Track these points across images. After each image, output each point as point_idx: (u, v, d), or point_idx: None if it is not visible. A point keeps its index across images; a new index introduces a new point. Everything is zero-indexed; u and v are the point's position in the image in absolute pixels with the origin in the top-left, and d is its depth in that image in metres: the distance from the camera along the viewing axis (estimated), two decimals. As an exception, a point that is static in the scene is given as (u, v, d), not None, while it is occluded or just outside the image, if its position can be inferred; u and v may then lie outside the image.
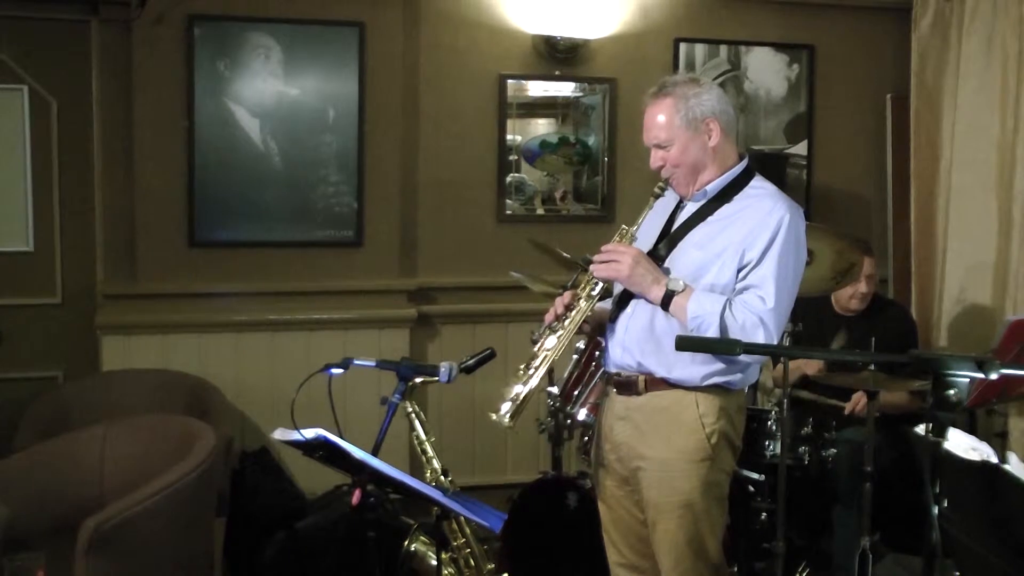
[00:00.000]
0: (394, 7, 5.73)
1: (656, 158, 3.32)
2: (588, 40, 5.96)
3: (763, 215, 3.21)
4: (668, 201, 3.42)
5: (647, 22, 6.09)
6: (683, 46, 6.19)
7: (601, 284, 3.32)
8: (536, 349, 3.31)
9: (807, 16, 6.38)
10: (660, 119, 3.27)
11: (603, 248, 3.31)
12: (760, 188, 3.33)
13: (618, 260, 3.24)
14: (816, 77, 6.43)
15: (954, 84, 5.85)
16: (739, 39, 6.30)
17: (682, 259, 3.28)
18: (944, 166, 5.93)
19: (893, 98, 6.39)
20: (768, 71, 6.35)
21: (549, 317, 3.35)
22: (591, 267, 3.31)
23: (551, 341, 3.30)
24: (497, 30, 5.90)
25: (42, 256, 5.58)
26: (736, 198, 3.30)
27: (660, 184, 3.34)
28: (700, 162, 3.29)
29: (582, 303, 3.30)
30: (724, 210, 3.29)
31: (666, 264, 3.29)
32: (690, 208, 3.36)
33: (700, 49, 6.23)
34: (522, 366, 3.28)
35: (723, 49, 6.28)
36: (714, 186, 3.31)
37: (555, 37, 5.89)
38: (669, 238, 3.34)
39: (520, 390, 3.24)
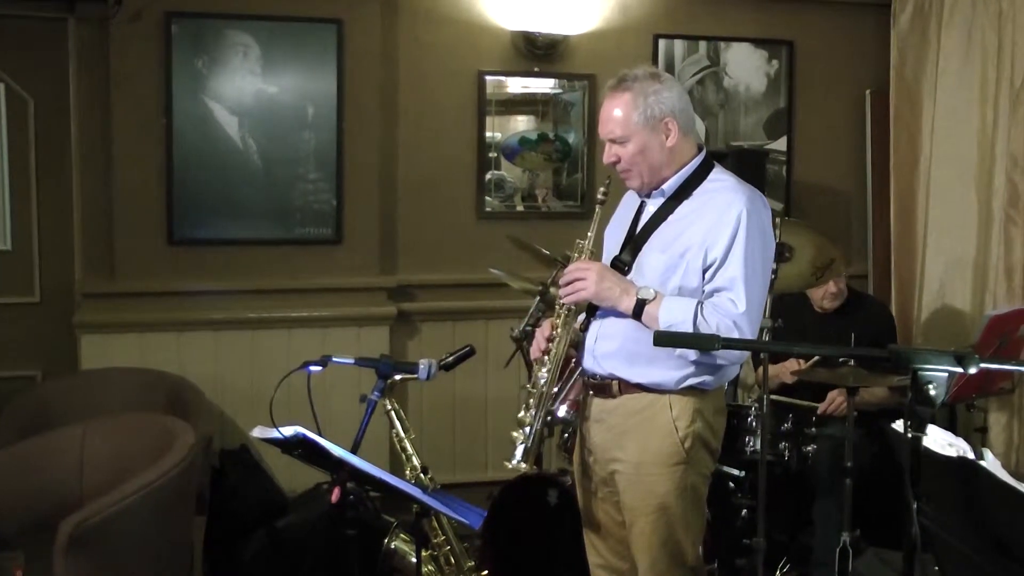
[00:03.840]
0: (372, 4, 5.71)
1: (610, 153, 3.26)
2: (567, 36, 5.96)
3: (721, 211, 3.14)
4: (631, 202, 3.39)
5: (626, 18, 6.09)
6: (662, 42, 6.18)
7: (573, 308, 3.30)
8: (530, 387, 3.30)
9: (786, 12, 6.39)
10: (617, 114, 3.20)
11: (567, 271, 3.28)
12: (718, 181, 3.26)
13: (582, 278, 3.21)
14: (795, 73, 6.43)
15: (933, 79, 5.88)
16: (718, 35, 6.29)
17: (647, 263, 3.24)
18: (924, 161, 5.95)
19: (873, 93, 6.41)
20: (747, 67, 6.35)
21: (535, 353, 3.33)
22: (560, 293, 3.29)
23: (542, 377, 3.28)
24: (476, 26, 5.88)
25: (20, 255, 5.53)
26: (695, 193, 3.24)
27: (602, 191, 3.30)
28: (657, 161, 3.22)
29: (560, 331, 3.29)
30: (683, 208, 3.23)
31: (632, 269, 3.26)
32: (651, 209, 3.31)
33: (679, 45, 6.23)
34: (522, 409, 3.27)
35: (702, 45, 6.28)
36: (671, 184, 3.26)
37: (534, 33, 5.88)
38: (633, 243, 3.30)
39: (526, 433, 3.24)
